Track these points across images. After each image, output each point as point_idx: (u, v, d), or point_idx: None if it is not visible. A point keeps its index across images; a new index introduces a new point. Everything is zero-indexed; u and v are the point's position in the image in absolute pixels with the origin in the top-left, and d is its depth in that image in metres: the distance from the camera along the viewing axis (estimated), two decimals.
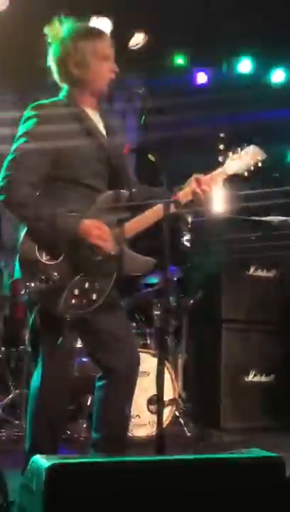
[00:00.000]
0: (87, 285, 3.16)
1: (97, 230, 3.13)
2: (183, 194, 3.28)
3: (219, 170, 3.40)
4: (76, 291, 3.14)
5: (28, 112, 3.31)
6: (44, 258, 3.15)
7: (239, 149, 3.44)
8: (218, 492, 2.22)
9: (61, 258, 3.15)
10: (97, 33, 3.36)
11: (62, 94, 3.40)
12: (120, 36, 6.03)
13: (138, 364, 3.37)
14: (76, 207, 3.21)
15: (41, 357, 3.24)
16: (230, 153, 3.42)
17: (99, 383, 3.33)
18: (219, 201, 6.31)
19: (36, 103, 3.35)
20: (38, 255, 3.14)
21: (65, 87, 3.38)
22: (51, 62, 3.36)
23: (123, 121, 3.56)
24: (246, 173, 3.45)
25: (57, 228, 3.11)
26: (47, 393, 3.23)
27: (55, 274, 3.14)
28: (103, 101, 3.47)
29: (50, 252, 3.15)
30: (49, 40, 3.34)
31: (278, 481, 2.33)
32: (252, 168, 3.44)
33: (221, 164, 3.43)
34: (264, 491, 2.29)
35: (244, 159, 3.43)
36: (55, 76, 3.38)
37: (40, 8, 5.89)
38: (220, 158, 3.47)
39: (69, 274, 3.15)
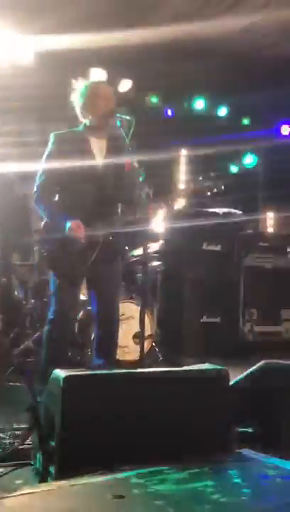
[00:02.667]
0: (75, 257, 3.20)
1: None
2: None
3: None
4: (73, 258, 3.19)
5: (50, 139, 3.34)
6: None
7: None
8: (181, 394, 2.22)
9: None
10: (99, 83, 3.43)
11: (81, 126, 3.38)
12: (112, 83, 6.02)
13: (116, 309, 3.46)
14: (78, 205, 3.25)
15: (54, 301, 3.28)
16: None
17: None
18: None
19: (55, 132, 3.36)
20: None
21: (83, 121, 3.38)
22: (75, 104, 3.38)
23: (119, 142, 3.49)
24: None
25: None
26: (58, 325, 3.25)
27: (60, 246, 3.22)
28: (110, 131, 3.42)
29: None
30: (74, 86, 3.38)
31: (224, 387, 2.34)
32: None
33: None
34: (213, 394, 2.29)
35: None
36: (78, 112, 3.38)
37: (60, 63, 5.86)
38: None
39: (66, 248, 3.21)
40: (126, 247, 3.56)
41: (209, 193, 3.37)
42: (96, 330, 3.33)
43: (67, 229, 3.15)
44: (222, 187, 3.37)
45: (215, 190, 3.34)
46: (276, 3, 5.41)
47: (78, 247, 3.18)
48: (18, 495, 1.67)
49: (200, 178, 3.37)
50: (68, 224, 3.14)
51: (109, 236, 3.23)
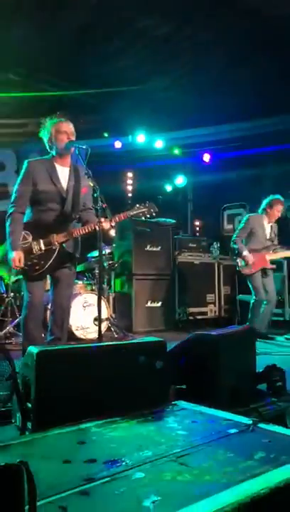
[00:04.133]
0: (37, 260, 3.17)
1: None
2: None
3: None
4: (35, 260, 3.17)
5: (23, 165, 3.26)
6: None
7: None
8: (131, 360, 2.23)
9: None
10: (61, 121, 3.31)
11: (49, 155, 3.33)
12: (73, 121, 6.02)
13: (68, 300, 3.36)
14: (43, 219, 3.21)
15: (26, 293, 3.23)
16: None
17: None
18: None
19: (28, 160, 3.28)
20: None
21: (51, 152, 3.31)
22: (43, 138, 3.31)
23: (78, 167, 3.46)
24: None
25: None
26: (31, 313, 3.20)
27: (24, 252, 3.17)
28: (72, 159, 3.36)
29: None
30: (42, 125, 3.32)
31: (162, 354, 2.35)
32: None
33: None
34: (155, 360, 2.29)
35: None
36: (46, 145, 3.32)
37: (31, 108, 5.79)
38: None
39: (30, 254, 3.17)
40: (77, 254, 3.46)
41: (143, 218, 3.36)
42: (50, 315, 3.30)
43: (10, 256, 3.13)
44: (154, 214, 3.31)
45: (148, 216, 3.32)
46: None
47: (39, 253, 3.18)
48: (2, 445, 1.65)
49: (137, 205, 3.34)
50: (12, 254, 3.12)
51: (63, 244, 3.22)
